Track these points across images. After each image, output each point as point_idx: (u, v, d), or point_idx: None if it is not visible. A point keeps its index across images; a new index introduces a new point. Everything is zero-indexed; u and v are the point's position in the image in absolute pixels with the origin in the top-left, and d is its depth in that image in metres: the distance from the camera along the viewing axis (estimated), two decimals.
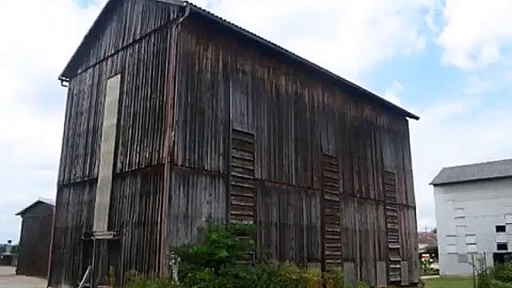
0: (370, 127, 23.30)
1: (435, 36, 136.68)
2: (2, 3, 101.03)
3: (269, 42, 17.47)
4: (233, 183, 15.61)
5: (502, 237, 48.97)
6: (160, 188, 14.01)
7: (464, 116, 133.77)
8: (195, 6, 14.80)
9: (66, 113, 20.72)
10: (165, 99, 14.77)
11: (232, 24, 16.18)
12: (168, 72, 14.93)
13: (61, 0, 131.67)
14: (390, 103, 25.23)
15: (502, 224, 48.91)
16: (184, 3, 14.66)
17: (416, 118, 26.71)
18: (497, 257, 44.37)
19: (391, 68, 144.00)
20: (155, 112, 15.17)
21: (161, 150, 14.40)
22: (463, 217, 51.10)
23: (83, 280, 16.23)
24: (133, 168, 15.59)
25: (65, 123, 20.60)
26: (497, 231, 49.21)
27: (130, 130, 16.20)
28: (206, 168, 14.95)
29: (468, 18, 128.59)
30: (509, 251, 46.86)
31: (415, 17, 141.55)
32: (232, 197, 15.50)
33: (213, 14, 15.74)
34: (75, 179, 18.83)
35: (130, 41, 17.47)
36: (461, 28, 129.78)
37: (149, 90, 15.73)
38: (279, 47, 17.95)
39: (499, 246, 48.46)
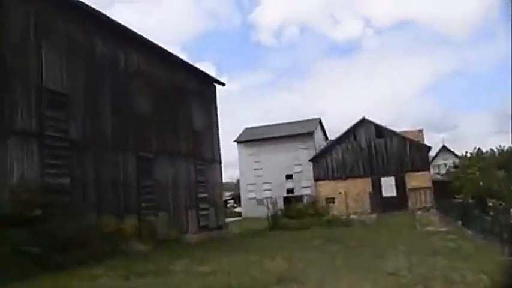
0: (181, 91, 23.20)
1: (247, 14, 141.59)
2: None
3: (84, 4, 16.02)
4: (47, 142, 14.20)
5: (290, 184, 54.14)
6: None
7: (266, 85, 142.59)
8: None
9: None
10: None
11: None
12: None
13: None
14: (199, 70, 25.39)
15: (291, 173, 53.96)
16: None
17: (223, 84, 27.43)
18: (286, 200, 48.91)
19: (210, 40, 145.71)
20: None
21: None
22: (261, 168, 55.03)
23: None
24: None
25: None
26: (286, 179, 54.18)
27: None
28: (16, 127, 13.29)
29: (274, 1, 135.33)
30: (295, 194, 52.02)
31: None
32: (47, 157, 14.12)
33: None
34: None
35: None
36: (269, 8, 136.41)
37: None
38: (96, 10, 16.57)
39: (288, 191, 53.53)
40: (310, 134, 53.89)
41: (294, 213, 33.98)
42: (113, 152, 17.37)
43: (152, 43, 20.19)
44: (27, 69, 13.99)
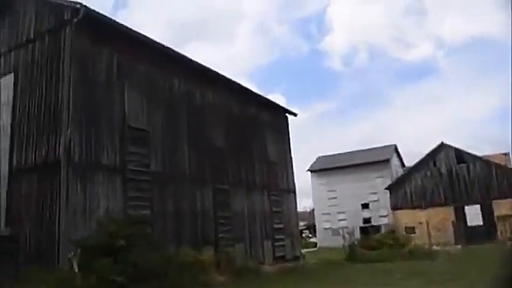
0: (254, 123, 23.58)
1: (317, 43, 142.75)
2: None
3: (162, 44, 16.97)
4: (130, 176, 14.96)
5: (366, 213, 52.55)
6: (58, 184, 13.00)
7: (336, 112, 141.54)
8: (88, 8, 13.87)
9: None
10: (59, 99, 13.71)
11: (126, 27, 15.45)
12: (63, 72, 13.87)
13: None
14: (272, 101, 25.78)
15: (366, 202, 52.46)
16: (78, 5, 13.70)
17: (295, 115, 27.54)
18: (363, 230, 47.45)
19: (278, 70, 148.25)
20: (50, 111, 14.04)
21: (57, 148, 13.36)
22: (335, 197, 54.04)
23: None
24: (30, 166, 14.32)
25: None
26: (362, 208, 52.70)
27: (26, 128, 14.84)
28: (103, 163, 14.17)
29: (343, 29, 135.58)
30: (372, 224, 50.34)
31: (299, 25, 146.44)
32: (129, 190, 14.84)
33: (107, 17, 14.94)
34: None
35: (24, 40, 15.99)
36: (338, 36, 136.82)
37: (44, 89, 14.51)
38: (172, 49, 17.53)
39: (365, 220, 51.96)
40: (386, 162, 52.36)
41: (371, 243, 32.70)
42: (190, 184, 17.88)
43: (225, 77, 20.83)
44: (111, 108, 14.96)
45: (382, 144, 57.03)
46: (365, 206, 52.59)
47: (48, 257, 12.83)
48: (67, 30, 14.15)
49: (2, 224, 14.70)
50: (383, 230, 44.76)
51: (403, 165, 56.80)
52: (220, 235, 18.81)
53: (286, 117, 27.23)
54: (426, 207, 44.71)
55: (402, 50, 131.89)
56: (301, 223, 58.20)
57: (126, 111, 15.40)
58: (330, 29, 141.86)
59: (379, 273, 18.05)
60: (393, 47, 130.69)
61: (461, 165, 44.55)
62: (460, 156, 44.93)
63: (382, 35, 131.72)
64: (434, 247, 31.81)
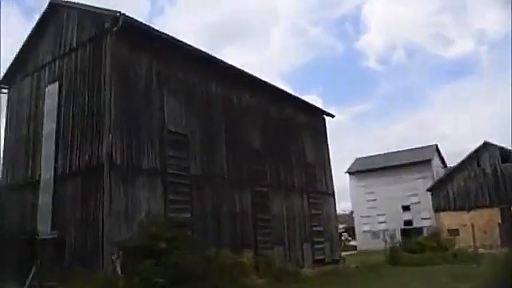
0: (292, 125, 23.52)
1: (353, 43, 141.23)
2: None
3: (198, 50, 17.20)
4: (170, 180, 15.21)
5: (407, 215, 51.38)
6: (101, 188, 13.38)
7: (374, 112, 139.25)
8: (127, 16, 14.24)
9: (6, 118, 19.34)
10: (101, 105, 14.14)
11: (163, 33, 15.76)
12: (104, 79, 14.31)
13: (7, 11, 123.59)
14: (308, 103, 25.65)
15: (407, 204, 51.28)
16: (118, 14, 14.07)
17: (332, 116, 27.30)
18: (404, 232, 46.43)
19: (314, 71, 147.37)
20: (93, 117, 14.49)
21: (100, 153, 13.76)
22: (375, 200, 53.12)
23: (29, 279, 15.22)
24: (74, 170, 14.81)
25: (5, 128, 19.24)
26: (403, 210, 51.56)
27: (69, 134, 15.38)
28: (144, 167, 14.47)
29: (380, 27, 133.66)
30: (414, 226, 49.18)
31: (334, 25, 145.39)
32: (169, 193, 15.09)
33: (145, 25, 15.28)
34: (18, 181, 17.64)
35: (67, 49, 16.57)
36: (375, 35, 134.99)
37: (87, 96, 15.00)
38: (208, 54, 17.74)
39: (405, 222, 50.81)
40: (427, 162, 51.05)
41: (413, 246, 31.90)
42: (229, 187, 17.99)
43: (261, 80, 20.87)
44: (151, 113, 15.27)
45: (423, 145, 55.63)
46: (406, 208, 51.41)
47: (92, 259, 13.20)
48: (107, 38, 14.57)
49: (49, 227, 15.22)
50: (425, 233, 43.59)
51: (444, 165, 55.21)
52: (259, 237, 18.82)
53: (324, 118, 27.02)
54: (470, 209, 43.22)
55: (441, 46, 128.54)
56: (340, 226, 57.53)
57: (165, 115, 15.70)
58: (366, 27, 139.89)
59: (422, 277, 17.58)
60: (432, 44, 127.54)
61: (507, 164, 42.83)
62: (505, 155, 43.14)
63: (420, 32, 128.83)
64: (480, 250, 30.69)
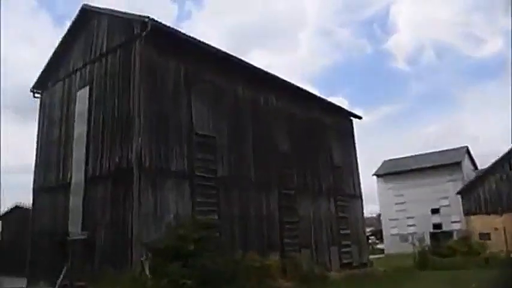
0: (319, 127, 23.41)
1: (381, 44, 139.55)
2: None
3: (225, 52, 17.31)
4: (197, 182, 15.35)
5: (436, 219, 50.37)
6: (130, 190, 13.61)
7: (402, 114, 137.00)
8: (156, 21, 14.47)
9: (39, 122, 19.90)
10: (131, 108, 14.40)
11: (191, 37, 15.93)
12: (134, 83, 14.56)
13: (40, 19, 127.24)
14: (335, 105, 25.49)
15: (437, 207, 50.28)
16: (146, 19, 14.30)
17: (360, 118, 27.06)
18: (433, 236, 45.54)
19: (341, 73, 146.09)
20: (122, 120, 14.76)
21: (129, 155, 14.00)
22: (403, 202, 52.27)
23: (60, 279, 15.59)
24: (104, 173, 15.11)
25: (38, 132, 19.79)
26: (432, 213, 50.57)
27: (100, 137, 15.70)
28: (172, 169, 14.64)
29: (409, 27, 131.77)
30: (443, 230, 48.18)
31: (362, 26, 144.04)
32: (197, 195, 15.21)
33: (173, 29, 15.50)
34: (50, 184, 18.12)
35: (98, 54, 16.94)
36: (403, 35, 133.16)
37: (116, 100, 15.29)
38: (235, 57, 17.83)
39: (435, 226, 49.82)
40: (457, 164, 49.91)
41: (443, 250, 31.27)
42: (256, 189, 18.02)
43: (288, 82, 20.85)
44: (179, 116, 15.45)
45: (453, 147, 54.42)
46: (435, 211, 50.40)
47: (121, 260, 13.42)
48: (136, 43, 14.83)
49: (79, 228, 15.55)
50: (455, 237, 42.65)
51: (475, 167, 53.91)
52: (286, 240, 18.78)
53: (351, 120, 26.80)
54: (503, 213, 42.04)
55: (472, 46, 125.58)
56: (368, 229, 56.84)
57: (193, 118, 15.87)
58: (394, 28, 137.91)
59: (452, 282, 17.19)
60: (462, 43, 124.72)
61: None
62: None
63: (450, 32, 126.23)
64: None
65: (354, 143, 26.56)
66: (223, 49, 17.32)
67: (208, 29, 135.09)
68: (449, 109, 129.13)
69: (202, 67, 16.84)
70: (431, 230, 48.70)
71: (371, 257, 31.23)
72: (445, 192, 48.98)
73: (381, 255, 45.21)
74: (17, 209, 31.75)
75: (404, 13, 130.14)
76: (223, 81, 17.76)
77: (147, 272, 12.52)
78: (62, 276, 15.54)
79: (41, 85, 20.01)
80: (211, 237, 14.59)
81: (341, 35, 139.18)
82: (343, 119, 26.21)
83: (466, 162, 52.37)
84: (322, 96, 24.21)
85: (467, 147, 54.14)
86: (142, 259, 12.72)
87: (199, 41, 16.24)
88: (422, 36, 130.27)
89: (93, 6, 17.95)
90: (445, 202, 49.29)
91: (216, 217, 15.69)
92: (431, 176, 50.31)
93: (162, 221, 13.78)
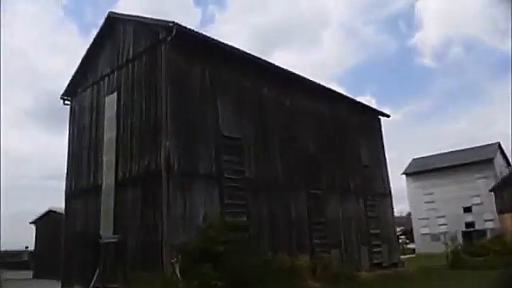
0: (346, 126, 23.22)
1: (407, 40, 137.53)
2: (15, 33, 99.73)
3: (250, 54, 17.37)
4: (226, 184, 15.42)
5: (469, 217, 49.28)
6: (159, 193, 13.76)
7: (431, 111, 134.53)
8: (181, 26, 14.62)
9: (69, 129, 20.36)
10: (158, 113, 14.57)
11: (216, 40, 16.03)
12: (160, 87, 14.74)
13: (67, 28, 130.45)
14: (362, 103, 25.22)
15: (469, 205, 49.20)
16: (171, 24, 14.47)
17: (388, 116, 26.71)
18: (465, 234, 44.57)
19: (367, 71, 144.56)
20: (150, 124, 14.95)
21: (158, 159, 14.16)
22: (433, 201, 51.36)
23: (93, 281, 15.90)
24: (133, 176, 15.32)
25: (69, 138, 20.24)
26: (464, 212, 49.51)
27: (129, 142, 15.95)
28: (200, 172, 14.76)
29: (435, 22, 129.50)
30: (476, 228, 47.11)
31: (387, 23, 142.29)
32: (225, 197, 15.29)
33: (197, 32, 15.61)
34: (82, 188, 18.49)
35: (124, 60, 17.21)
36: (430, 31, 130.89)
37: (144, 104, 15.51)
38: (260, 58, 17.87)
39: (467, 225, 48.76)
40: (489, 161, 48.75)
41: (476, 249, 30.49)
42: (283, 190, 17.99)
43: (313, 82, 20.75)
44: (206, 118, 15.56)
45: (484, 143, 53.15)
46: (467, 209, 49.33)
47: (152, 262, 13.58)
48: (162, 48, 15.00)
49: (111, 231, 15.82)
50: (489, 235, 41.58)
51: (508, 164, 52.53)
52: (315, 241, 18.68)
53: (379, 119, 26.49)
54: None
55: (500, 39, 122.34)
56: (397, 228, 55.98)
57: (219, 120, 15.98)
58: (420, 24, 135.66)
59: (486, 282, 16.74)
60: (490, 37, 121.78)
61: None
62: None
63: (477, 26, 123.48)
64: None
65: (382, 142, 26.25)
66: (247, 51, 17.41)
67: (231, 31, 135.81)
68: (478, 105, 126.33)
69: (227, 69, 16.94)
70: (464, 229, 47.67)
71: (402, 257, 30.75)
72: (476, 190, 47.94)
73: (411, 255, 44.49)
74: (50, 214, 32.57)
75: (430, 8, 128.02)
76: (249, 83, 17.82)
77: (178, 274, 12.64)
78: (94, 278, 15.85)
79: (70, 92, 20.46)
80: (240, 239, 14.66)
81: (366, 33, 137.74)
82: (371, 117, 25.93)
83: (498, 159, 51.12)
84: (349, 95, 24.04)
85: (498, 143, 52.82)
86: (172, 261, 12.85)
87: (223, 44, 16.33)
88: (448, 30, 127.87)
89: (118, 14, 18.28)
90: (477, 200, 48.22)
91: (245, 218, 15.74)
92: (461, 174, 49.30)
93: (191, 223, 13.90)
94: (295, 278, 15.02)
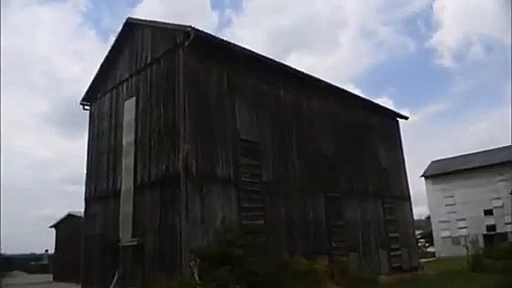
0: (363, 129, 23.09)
1: (425, 41, 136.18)
2: (35, 40, 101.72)
3: (267, 57, 17.41)
4: (243, 187, 15.47)
5: (490, 220, 48.50)
6: (178, 196, 13.86)
7: (450, 112, 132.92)
8: (198, 30, 14.74)
9: (89, 134, 20.65)
10: (176, 116, 14.69)
11: (233, 44, 16.12)
12: (178, 91, 14.86)
13: (87, 35, 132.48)
14: (380, 105, 25.06)
15: (490, 208, 48.44)
16: (189, 29, 14.60)
17: (406, 118, 26.48)
18: (487, 237, 43.86)
19: (385, 72, 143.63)
20: (168, 128, 15.08)
21: (176, 162, 14.27)
22: (453, 204, 50.68)
23: (112, 284, 16.07)
24: (152, 180, 15.46)
25: (88, 142, 20.52)
26: (485, 214, 48.75)
27: (147, 145, 16.10)
28: (218, 175, 14.83)
29: (454, 22, 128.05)
30: (497, 231, 46.34)
31: (405, 24, 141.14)
32: (243, 200, 15.34)
33: (214, 36, 15.71)
34: (101, 192, 18.72)
35: (143, 65, 17.41)
36: (449, 31, 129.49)
37: (162, 108, 15.65)
38: (276, 61, 17.91)
39: (488, 228, 47.99)
40: (510, 163, 47.89)
41: (499, 252, 29.96)
42: (301, 193, 17.95)
43: (330, 85, 20.70)
44: (223, 122, 15.65)
45: (504, 145, 52.26)
46: (488, 212, 48.53)
47: (170, 265, 13.68)
48: (180, 52, 15.13)
49: (130, 235, 15.98)
50: (510, 238, 40.87)
51: None
52: (333, 244, 18.58)
53: (397, 121, 26.29)
54: None
55: None
56: (417, 232, 55.30)
57: (237, 124, 16.05)
58: (439, 24, 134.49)
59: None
60: (509, 37, 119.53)
61: None
62: None
63: (497, 24, 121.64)
64: None
65: (400, 144, 26.03)
66: (264, 53, 17.47)
67: (248, 34, 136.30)
68: (499, 105, 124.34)
69: (244, 72, 17.01)
70: (485, 232, 46.91)
71: (421, 260, 30.39)
72: (497, 193, 47.18)
73: (431, 259, 43.92)
74: (69, 218, 33.06)
75: (448, 8, 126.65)
76: (266, 86, 17.86)
77: (196, 277, 12.71)
78: (114, 281, 16.02)
79: (90, 97, 20.76)
80: (258, 242, 14.67)
81: (383, 34, 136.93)
82: (389, 119, 25.73)
83: None
84: (366, 97, 23.93)
85: None
86: (191, 264, 12.93)
87: (240, 47, 16.41)
88: (467, 31, 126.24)
89: (136, 19, 18.49)
90: (499, 203, 47.44)
91: (262, 222, 15.75)
92: (482, 176, 48.58)
93: (209, 227, 13.96)
94: (313, 281, 14.96)
